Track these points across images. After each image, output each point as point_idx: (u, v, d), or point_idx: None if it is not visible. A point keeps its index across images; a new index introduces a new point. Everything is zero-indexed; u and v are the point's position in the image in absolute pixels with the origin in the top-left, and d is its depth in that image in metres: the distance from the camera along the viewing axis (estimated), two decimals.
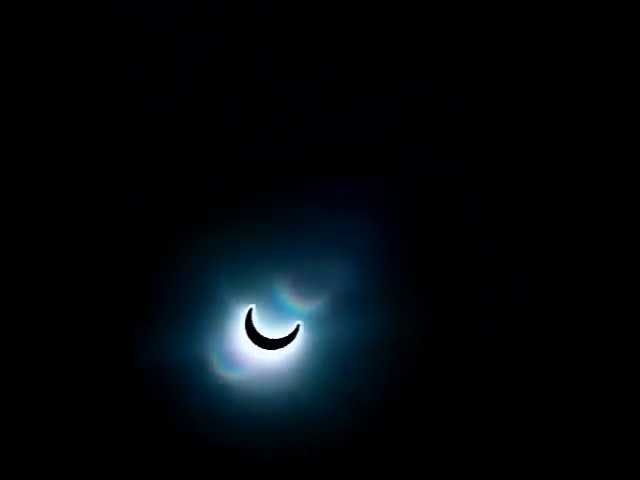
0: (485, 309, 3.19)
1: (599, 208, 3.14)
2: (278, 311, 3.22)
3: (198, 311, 3.18)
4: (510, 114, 3.11)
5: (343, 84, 3.07)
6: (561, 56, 3.10)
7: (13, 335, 3.05)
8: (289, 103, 3.09)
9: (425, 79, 3.08)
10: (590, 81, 3.11)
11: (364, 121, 3.11)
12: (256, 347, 3.25)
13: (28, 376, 3.08)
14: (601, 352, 3.15)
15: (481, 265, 3.17)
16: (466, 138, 3.13)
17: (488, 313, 3.19)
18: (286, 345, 3.23)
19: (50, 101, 3.05)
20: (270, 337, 3.23)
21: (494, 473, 3.17)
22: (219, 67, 3.06)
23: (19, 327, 3.05)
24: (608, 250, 3.15)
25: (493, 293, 3.19)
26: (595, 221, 3.15)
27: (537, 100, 3.12)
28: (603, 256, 3.15)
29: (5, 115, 3.03)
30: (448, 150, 3.14)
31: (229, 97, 3.08)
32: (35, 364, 3.08)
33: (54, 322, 3.08)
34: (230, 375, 3.25)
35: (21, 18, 3.01)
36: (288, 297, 3.20)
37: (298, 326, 3.23)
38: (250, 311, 3.23)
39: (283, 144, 3.11)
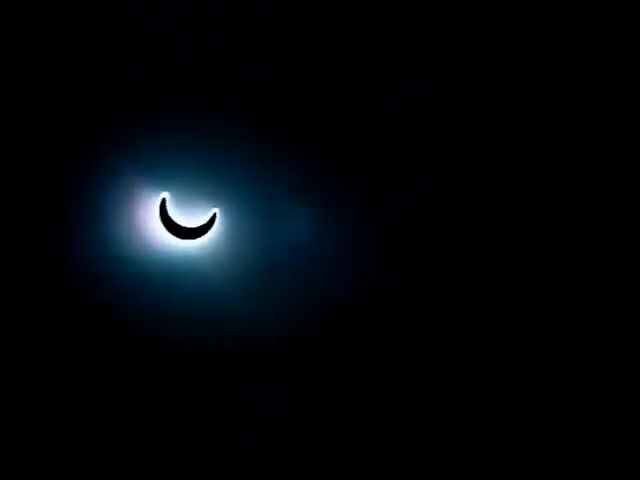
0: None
1: (598, 208, 3.16)
2: (193, 198, 3.07)
3: (109, 204, 3.05)
4: (510, 114, 3.13)
5: (343, 84, 3.09)
6: (560, 57, 3.11)
7: None
8: (289, 103, 3.10)
9: (425, 79, 3.09)
10: (588, 81, 3.12)
11: (364, 119, 3.12)
12: (172, 237, 3.09)
13: None
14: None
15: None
16: (466, 138, 3.14)
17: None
18: (204, 234, 3.09)
19: (50, 100, 3.06)
20: (186, 226, 3.07)
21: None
22: (219, 67, 3.07)
23: None
24: (607, 251, 3.16)
25: None
26: (594, 221, 3.16)
27: (536, 100, 3.13)
28: (602, 256, 3.17)
29: (5, 114, 3.04)
30: (448, 150, 3.15)
31: (229, 97, 3.09)
32: None
33: None
34: (147, 267, 3.08)
35: (21, 18, 3.03)
36: (202, 183, 3.06)
37: (215, 214, 3.09)
38: (164, 200, 3.06)
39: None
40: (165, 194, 3.08)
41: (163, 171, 3.08)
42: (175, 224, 3.09)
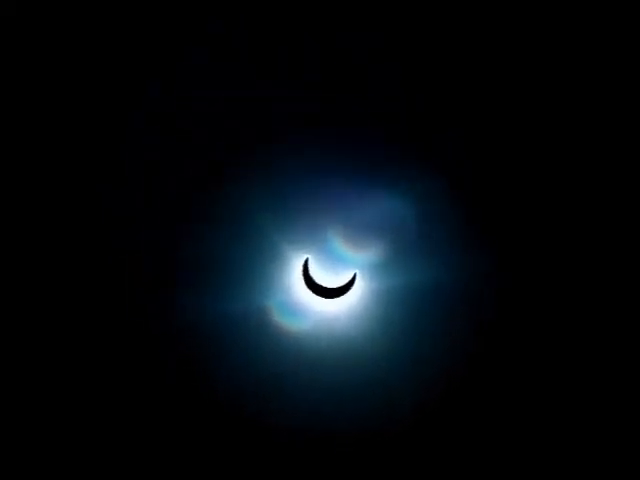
0: None
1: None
2: (334, 260, 3.20)
3: (256, 263, 3.19)
4: (509, 118, 3.06)
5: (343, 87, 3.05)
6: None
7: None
8: (290, 103, 3.08)
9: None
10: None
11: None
12: (314, 296, 3.25)
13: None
14: None
15: None
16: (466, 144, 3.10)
17: None
18: (344, 294, 3.22)
19: (50, 100, 3.07)
20: (328, 286, 3.22)
21: None
22: (219, 67, 3.04)
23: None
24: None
25: None
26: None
27: (536, 102, 3.05)
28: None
29: (5, 113, 3.07)
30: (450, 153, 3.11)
31: (229, 97, 3.07)
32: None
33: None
34: (290, 324, 3.27)
35: (21, 18, 3.00)
36: (344, 246, 3.17)
37: (355, 274, 3.21)
38: (306, 261, 3.21)
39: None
40: (308, 255, 3.19)
41: (306, 234, 3.17)
42: (317, 284, 3.20)
